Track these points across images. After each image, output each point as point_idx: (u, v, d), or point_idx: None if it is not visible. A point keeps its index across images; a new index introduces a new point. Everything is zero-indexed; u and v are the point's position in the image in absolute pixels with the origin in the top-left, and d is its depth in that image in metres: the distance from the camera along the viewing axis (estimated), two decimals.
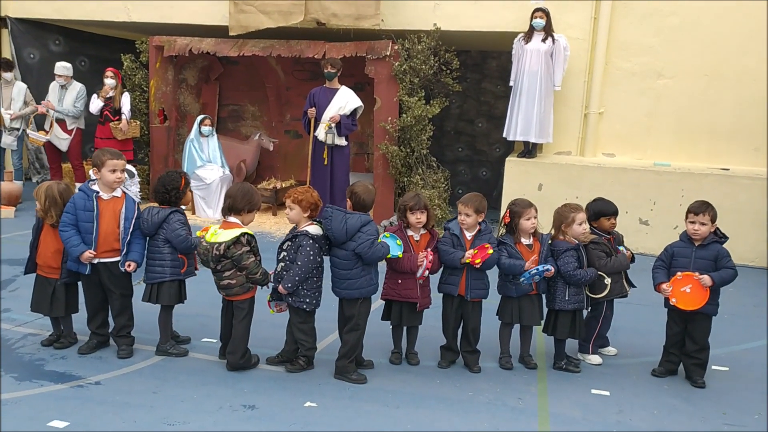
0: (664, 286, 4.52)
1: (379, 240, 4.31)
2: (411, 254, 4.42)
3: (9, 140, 9.53)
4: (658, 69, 8.72)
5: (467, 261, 4.40)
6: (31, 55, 10.93)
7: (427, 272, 4.44)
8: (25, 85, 9.71)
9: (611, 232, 4.88)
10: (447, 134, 12.34)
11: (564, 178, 8.61)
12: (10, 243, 7.13)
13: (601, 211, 4.86)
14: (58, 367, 4.33)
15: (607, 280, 4.64)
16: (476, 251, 4.40)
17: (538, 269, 4.42)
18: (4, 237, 7.67)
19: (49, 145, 9.57)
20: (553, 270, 4.48)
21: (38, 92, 10.04)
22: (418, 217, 4.43)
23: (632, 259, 4.86)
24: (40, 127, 10.11)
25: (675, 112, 8.74)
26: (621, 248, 4.82)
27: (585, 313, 4.82)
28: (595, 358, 4.86)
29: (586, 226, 4.68)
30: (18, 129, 9.53)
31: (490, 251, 4.39)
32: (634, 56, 8.78)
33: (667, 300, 4.56)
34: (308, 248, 4.24)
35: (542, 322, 4.73)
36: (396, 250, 4.39)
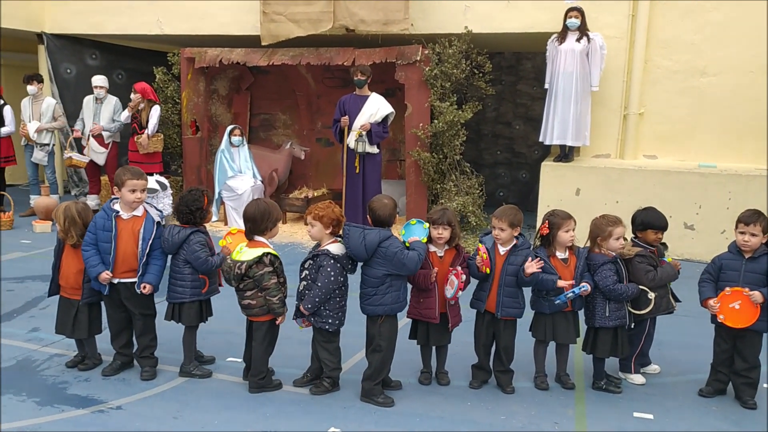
0: (711, 302, 4.23)
1: (402, 232, 4.15)
2: (428, 270, 4.19)
3: (40, 155, 9.64)
4: (701, 66, 8.34)
5: (480, 265, 4.21)
6: (68, 70, 11.08)
7: (460, 292, 4.22)
8: (54, 101, 9.82)
9: (653, 243, 4.60)
10: (485, 137, 12.15)
11: (603, 182, 8.30)
12: (44, 258, 7.17)
13: (651, 223, 4.53)
14: (81, 390, 4.27)
15: (651, 295, 4.36)
16: (484, 256, 4.21)
17: (574, 291, 4.19)
18: (39, 252, 7.74)
19: (89, 162, 9.65)
20: (590, 288, 4.24)
21: (75, 107, 10.16)
22: (440, 233, 4.22)
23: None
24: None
25: (719, 110, 8.34)
26: (664, 260, 4.54)
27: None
28: (638, 378, 4.58)
29: (624, 242, 4.41)
30: (48, 144, 9.64)
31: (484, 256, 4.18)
32: (675, 54, 8.41)
33: (714, 316, 4.27)
34: (329, 269, 4.08)
35: (578, 339, 4.48)
36: (422, 233, 4.17)
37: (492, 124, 12.14)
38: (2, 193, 9.47)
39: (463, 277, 4.17)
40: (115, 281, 4.34)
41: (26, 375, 4.47)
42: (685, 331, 5.49)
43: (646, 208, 4.63)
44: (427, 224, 4.22)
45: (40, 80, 9.73)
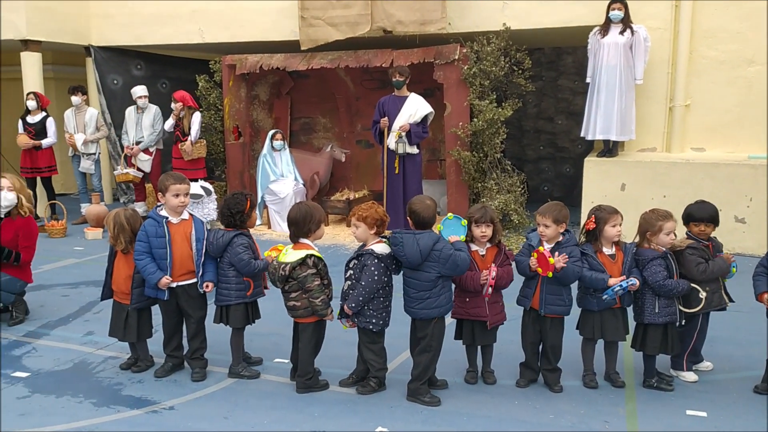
0: (766, 296, 4.11)
1: (439, 227, 4.14)
2: (475, 272, 4.18)
3: (87, 164, 9.94)
4: (749, 56, 8.10)
5: (535, 268, 4.15)
6: (115, 81, 11.38)
7: (490, 289, 4.18)
8: (96, 111, 10.10)
9: (711, 238, 4.44)
10: (527, 134, 12.06)
11: (649, 176, 8.13)
12: (97, 264, 7.38)
13: (690, 214, 4.42)
14: (135, 391, 4.38)
15: (702, 294, 4.25)
16: (536, 256, 4.14)
17: (622, 285, 4.12)
18: (91, 258, 7.97)
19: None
20: (638, 283, 4.16)
21: (123, 117, 10.42)
22: (483, 231, 4.19)
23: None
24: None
25: None
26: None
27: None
28: (690, 375, 4.47)
29: (674, 237, 4.31)
30: (94, 153, 9.92)
31: (552, 260, 4.09)
32: (721, 43, 8.20)
33: None
34: (373, 268, 4.11)
35: (627, 336, 4.40)
36: (462, 231, 4.15)
37: (534, 120, 12.03)
38: (55, 201, 9.79)
39: (494, 273, 4.13)
40: (174, 285, 4.44)
41: (83, 377, 4.62)
42: (738, 327, 5.35)
43: (697, 201, 4.52)
44: (465, 221, 4.20)
45: (84, 92, 10.05)
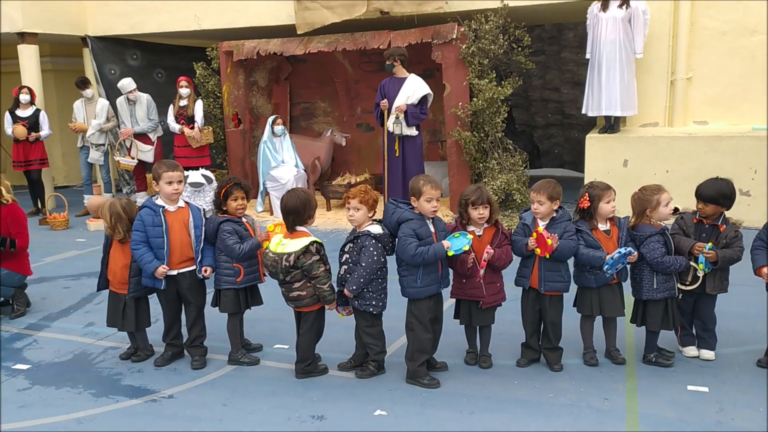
0: (765, 270, 4.05)
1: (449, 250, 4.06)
2: (465, 255, 4.09)
3: (96, 155, 9.94)
4: (751, 26, 7.97)
5: (533, 248, 4.11)
6: (112, 71, 11.33)
7: (482, 271, 4.13)
8: (107, 102, 10.07)
9: (725, 220, 4.22)
10: (534, 103, 12.00)
11: (652, 151, 8.05)
12: (99, 255, 7.37)
13: (697, 191, 4.25)
14: (135, 381, 4.38)
15: (700, 272, 4.17)
16: (536, 236, 4.09)
17: (620, 252, 4.05)
18: (93, 249, 7.98)
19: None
20: (636, 254, 4.11)
21: (115, 108, 10.37)
22: (480, 213, 4.13)
23: (715, 262, 4.15)
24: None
25: None
26: (707, 246, 4.14)
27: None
28: (691, 350, 4.43)
29: (672, 206, 4.25)
30: (103, 144, 9.91)
31: (550, 241, 4.04)
32: (723, 14, 8.07)
33: None
34: (371, 248, 4.08)
35: (625, 311, 4.36)
36: (466, 243, 4.04)
37: (540, 90, 11.94)
38: (56, 194, 9.80)
39: (487, 255, 4.07)
40: (174, 273, 4.43)
41: (82, 368, 4.63)
42: (742, 301, 5.29)
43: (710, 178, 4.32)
44: (470, 235, 4.09)
45: (88, 84, 10.02)
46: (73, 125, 9.85)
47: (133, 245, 4.41)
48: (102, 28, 11.14)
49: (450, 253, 4.02)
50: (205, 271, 4.45)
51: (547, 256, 4.09)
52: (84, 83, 9.92)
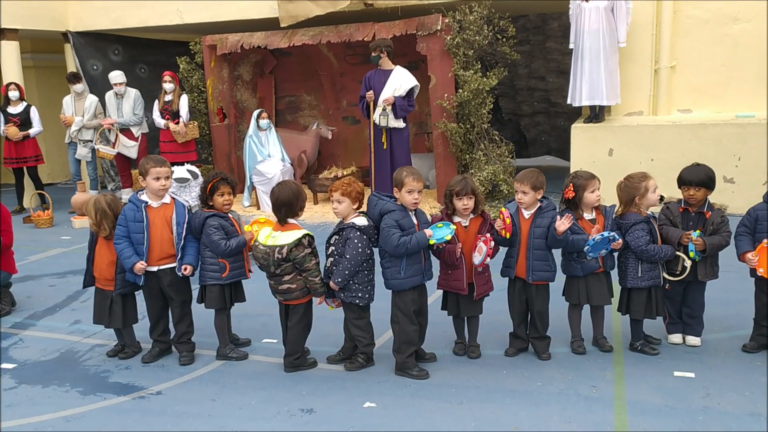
0: (749, 255, 4.10)
1: (430, 239, 4.06)
2: (453, 246, 4.08)
3: (84, 152, 9.86)
4: (733, 13, 8.02)
5: (500, 229, 4.16)
6: (95, 67, 11.22)
7: (488, 259, 4.15)
8: (96, 98, 9.96)
9: (710, 206, 4.26)
10: (520, 92, 11.97)
11: (636, 140, 8.10)
12: (84, 253, 7.32)
13: (680, 177, 4.27)
14: (122, 378, 4.36)
15: (688, 263, 4.20)
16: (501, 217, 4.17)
17: (603, 235, 4.07)
18: (79, 247, 7.91)
19: (118, 156, 9.83)
20: (620, 241, 4.13)
21: (103, 103, 10.30)
22: (465, 203, 4.13)
23: (704, 250, 4.20)
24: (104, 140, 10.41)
25: (755, 58, 8.03)
26: (694, 234, 4.17)
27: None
28: (676, 338, 4.47)
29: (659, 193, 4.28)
30: (91, 141, 9.83)
31: (509, 221, 4.14)
32: (705, 2, 8.12)
33: (753, 270, 4.13)
34: (356, 240, 4.08)
35: (613, 301, 4.39)
36: (448, 231, 4.05)
37: (526, 79, 11.92)
38: (41, 192, 9.70)
39: (492, 243, 4.10)
40: (155, 269, 4.40)
41: (69, 366, 4.59)
42: (727, 287, 5.30)
43: (691, 164, 4.37)
44: (453, 225, 4.10)
45: (79, 78, 9.93)
46: (64, 117, 9.76)
47: (115, 240, 4.38)
48: (83, 23, 11.02)
49: (432, 242, 4.02)
50: (185, 269, 4.41)
51: (508, 236, 4.14)
52: (75, 78, 9.84)
